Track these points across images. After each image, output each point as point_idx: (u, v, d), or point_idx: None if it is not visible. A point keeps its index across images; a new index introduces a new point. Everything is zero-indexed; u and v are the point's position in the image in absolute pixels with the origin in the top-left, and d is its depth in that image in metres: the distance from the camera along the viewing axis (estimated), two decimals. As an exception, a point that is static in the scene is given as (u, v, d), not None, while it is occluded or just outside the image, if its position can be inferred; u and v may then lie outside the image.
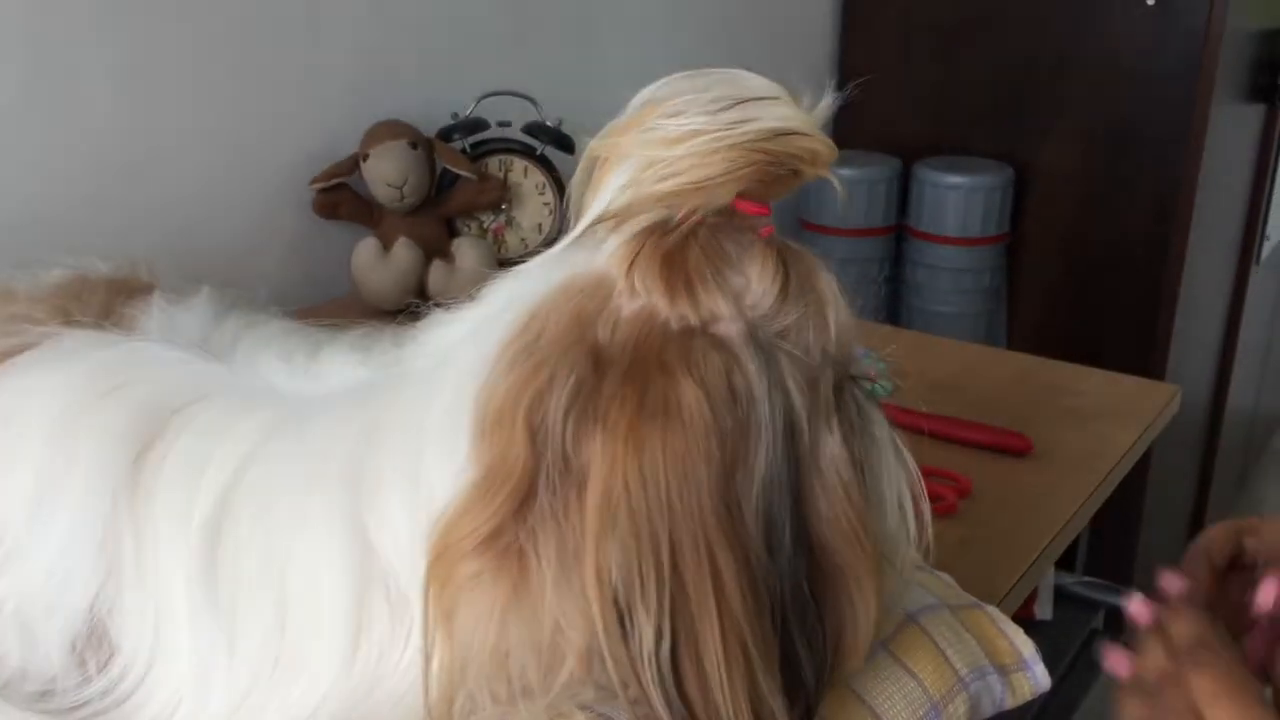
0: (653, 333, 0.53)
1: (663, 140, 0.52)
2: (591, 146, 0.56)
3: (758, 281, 0.54)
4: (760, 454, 0.53)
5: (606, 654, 0.51)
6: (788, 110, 0.54)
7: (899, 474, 0.60)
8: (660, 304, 0.53)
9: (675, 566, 0.51)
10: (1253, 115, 2.03)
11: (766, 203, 0.57)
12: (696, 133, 0.52)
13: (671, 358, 0.52)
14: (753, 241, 0.55)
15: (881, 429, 0.60)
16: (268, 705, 0.55)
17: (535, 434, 0.52)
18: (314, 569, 0.56)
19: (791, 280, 0.55)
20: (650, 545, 0.50)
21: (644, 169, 0.53)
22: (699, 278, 0.53)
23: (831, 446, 0.55)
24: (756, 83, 0.54)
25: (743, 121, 0.52)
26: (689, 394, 0.51)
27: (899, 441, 0.61)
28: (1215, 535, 0.67)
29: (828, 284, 0.56)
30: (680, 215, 0.54)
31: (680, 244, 0.54)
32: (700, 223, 0.55)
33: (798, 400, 0.54)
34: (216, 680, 0.56)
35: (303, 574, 0.56)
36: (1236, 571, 0.66)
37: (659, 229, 0.54)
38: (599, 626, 0.51)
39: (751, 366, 0.53)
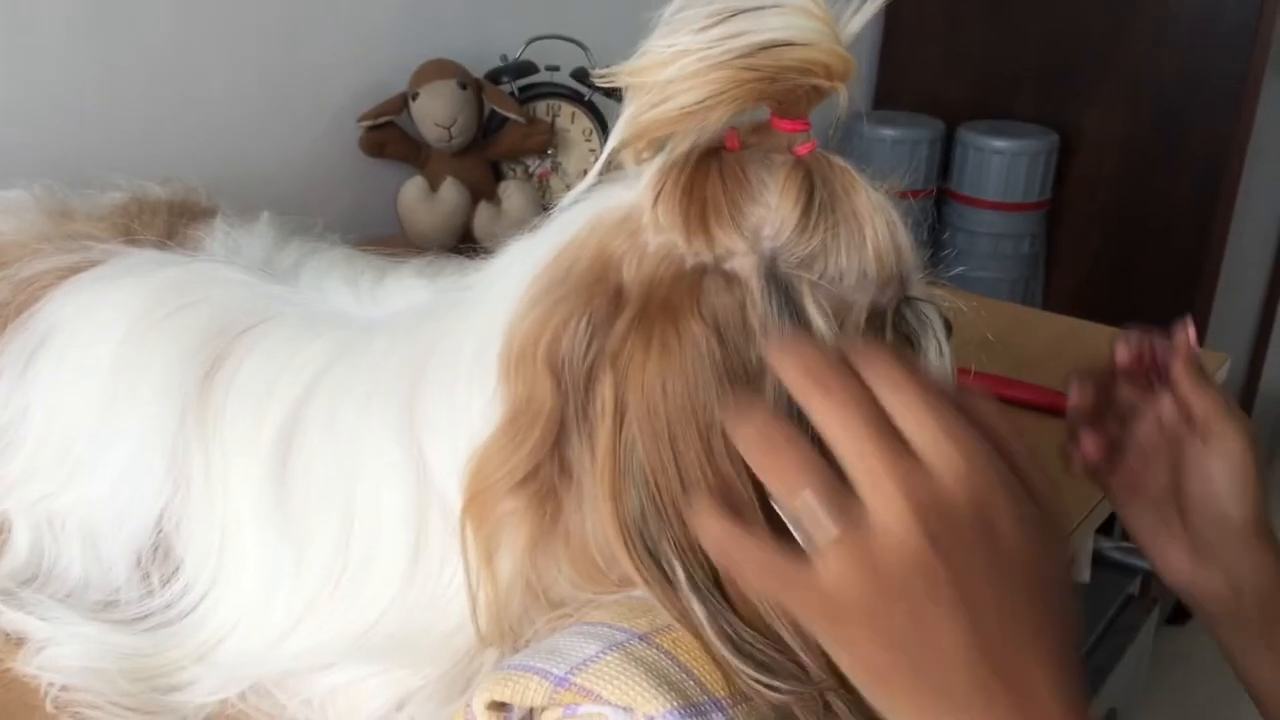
0: (669, 270, 0.51)
1: (655, 64, 0.49)
2: (613, 75, 0.52)
3: (778, 209, 0.51)
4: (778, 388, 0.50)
5: (651, 597, 0.50)
6: (787, 19, 0.49)
7: None
8: (679, 240, 0.51)
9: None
10: (1302, 89, 2.01)
11: (801, 117, 0.53)
12: (683, 53, 0.48)
13: (681, 296, 0.50)
14: (781, 163, 0.52)
15: (936, 359, 0.56)
16: (330, 618, 0.56)
17: (557, 374, 0.51)
18: (377, 486, 0.56)
19: (815, 203, 0.51)
20: (662, 487, 0.49)
21: (642, 96, 0.50)
22: (715, 213, 0.51)
23: None
24: None
25: (731, 37, 0.48)
26: (696, 333, 0.49)
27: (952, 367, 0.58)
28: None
29: (867, 202, 0.52)
30: (709, 140, 0.52)
31: (701, 175, 0.52)
32: (731, 148, 0.53)
33: (822, 327, 0.51)
34: (280, 594, 0.57)
35: (367, 491, 0.56)
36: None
37: (688, 158, 0.52)
38: (633, 573, 0.50)
39: (765, 302, 0.51)
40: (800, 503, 0.43)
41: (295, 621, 0.57)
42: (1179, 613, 2.26)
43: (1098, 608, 1.13)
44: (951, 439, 0.42)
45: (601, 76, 0.52)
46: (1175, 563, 0.64)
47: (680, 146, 0.52)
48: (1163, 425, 0.65)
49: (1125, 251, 1.91)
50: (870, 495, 0.42)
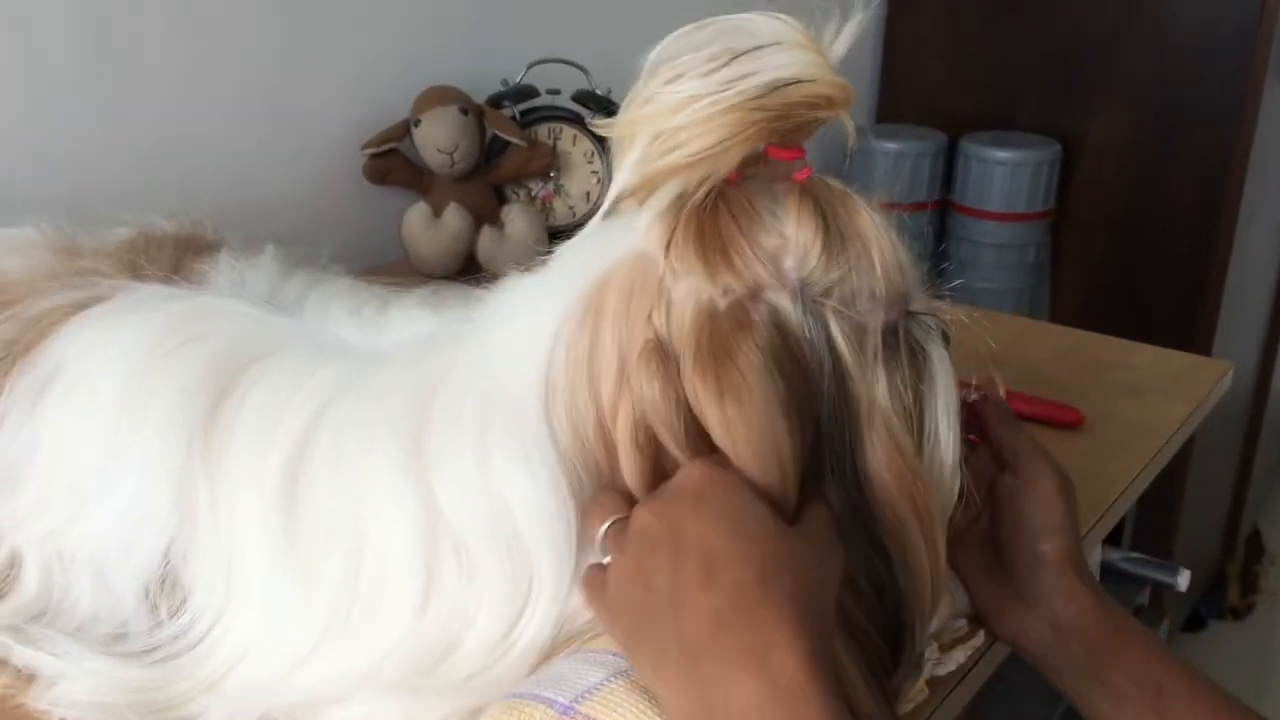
0: (706, 312, 0.52)
1: (663, 110, 0.50)
2: (614, 124, 0.53)
3: (796, 240, 0.52)
4: (818, 416, 0.52)
5: None
6: (788, 56, 0.50)
7: (955, 413, 0.58)
8: (703, 282, 0.52)
9: None
10: (1304, 93, 2.01)
11: (798, 145, 0.54)
12: (693, 98, 0.49)
13: (730, 336, 0.51)
14: (787, 192, 0.53)
15: (941, 367, 0.58)
16: (339, 653, 0.56)
17: (656, 446, 0.53)
18: (384, 523, 0.56)
19: (832, 232, 0.53)
20: None
21: (650, 143, 0.50)
22: (736, 249, 0.52)
23: (880, 397, 0.53)
24: (761, 27, 0.50)
25: (739, 79, 0.49)
26: (758, 367, 0.50)
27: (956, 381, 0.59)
28: None
29: (870, 224, 0.54)
30: (706, 181, 0.52)
31: (711, 214, 0.52)
32: (732, 182, 0.53)
33: (846, 355, 0.53)
34: (289, 628, 0.57)
35: (375, 527, 0.56)
36: None
37: (688, 199, 0.52)
38: None
39: (804, 332, 0.52)
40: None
41: (304, 656, 0.57)
42: (1193, 620, 2.25)
43: (1108, 619, 1.12)
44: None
45: (602, 127, 0.53)
46: (1001, 611, 0.64)
47: (676, 189, 0.53)
48: (978, 475, 0.65)
49: (1130, 259, 1.91)
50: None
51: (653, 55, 0.51)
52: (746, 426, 0.50)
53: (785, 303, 0.52)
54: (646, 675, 0.49)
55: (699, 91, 0.49)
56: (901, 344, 0.55)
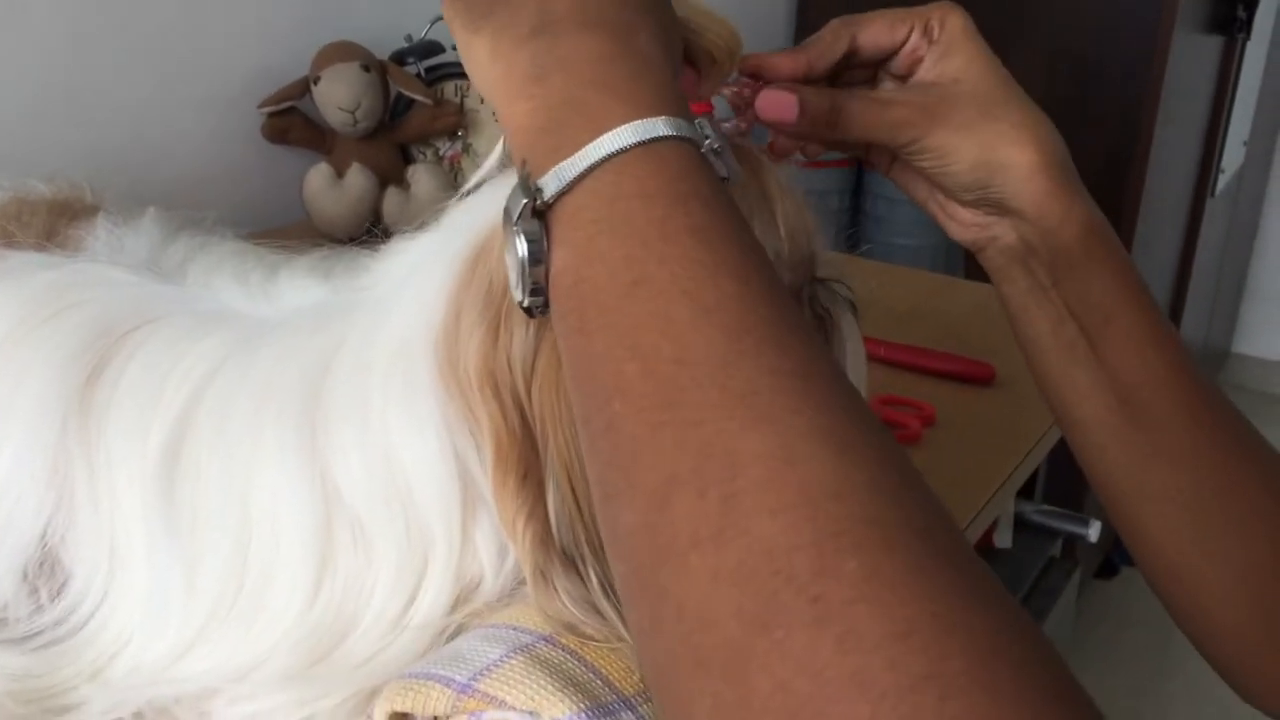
0: None
1: None
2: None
3: None
4: None
5: (564, 599, 0.50)
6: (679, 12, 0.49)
7: (864, 380, 0.57)
8: None
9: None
10: (1211, 46, 2.03)
11: (704, 99, 0.53)
12: None
13: None
14: None
15: (850, 333, 0.57)
16: (226, 637, 0.54)
17: (518, 398, 0.50)
18: (274, 504, 0.54)
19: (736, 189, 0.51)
20: (578, 489, 0.49)
21: None
22: None
23: None
24: None
25: None
26: None
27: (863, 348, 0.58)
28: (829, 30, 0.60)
29: (775, 182, 0.53)
30: None
31: None
32: None
33: None
34: (173, 614, 0.54)
35: (263, 508, 0.54)
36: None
37: None
38: (533, 581, 0.50)
39: None
40: None
41: (188, 644, 0.54)
42: (1106, 567, 2.31)
43: (1020, 571, 1.14)
44: None
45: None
46: (963, 221, 0.58)
47: None
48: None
49: (1043, 214, 1.92)
50: None
51: None
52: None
53: None
54: (484, 49, 0.44)
55: None
56: (807, 310, 0.54)
